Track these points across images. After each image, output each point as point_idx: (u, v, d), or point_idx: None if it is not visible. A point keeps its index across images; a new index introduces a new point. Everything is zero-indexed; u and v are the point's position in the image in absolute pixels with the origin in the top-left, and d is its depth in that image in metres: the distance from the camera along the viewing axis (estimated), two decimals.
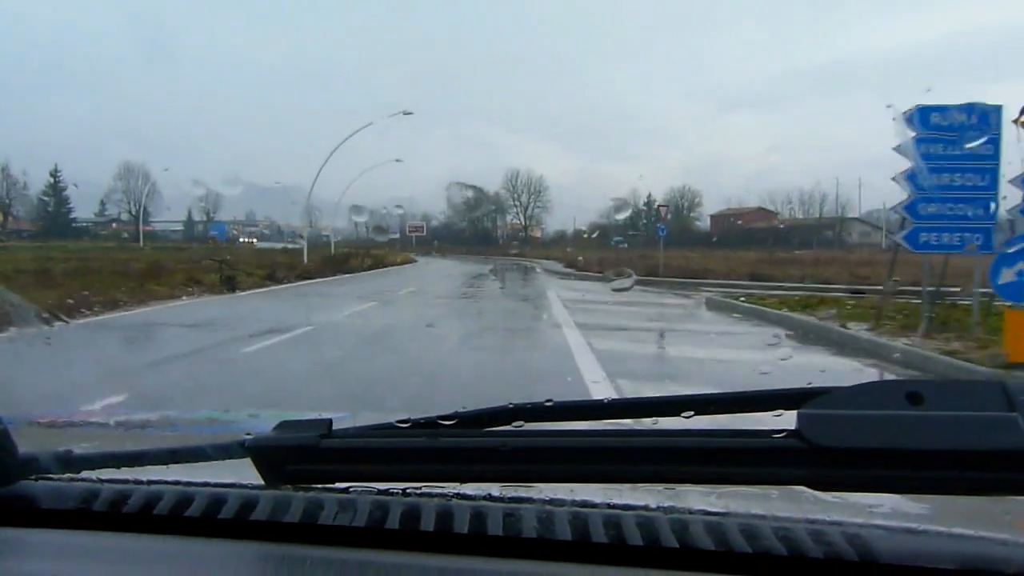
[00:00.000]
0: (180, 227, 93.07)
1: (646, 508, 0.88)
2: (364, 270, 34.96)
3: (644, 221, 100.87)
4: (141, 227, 61.94)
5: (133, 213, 78.62)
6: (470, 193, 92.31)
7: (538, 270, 39.26)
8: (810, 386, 0.78)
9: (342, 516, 0.87)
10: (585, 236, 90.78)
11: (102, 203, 64.82)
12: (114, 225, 79.04)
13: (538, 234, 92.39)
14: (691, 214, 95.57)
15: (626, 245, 77.32)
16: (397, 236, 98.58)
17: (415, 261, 53.73)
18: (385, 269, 38.15)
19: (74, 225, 78.05)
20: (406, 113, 32.86)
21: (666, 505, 0.89)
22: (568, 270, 35.33)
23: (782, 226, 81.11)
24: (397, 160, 47.31)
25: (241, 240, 79.51)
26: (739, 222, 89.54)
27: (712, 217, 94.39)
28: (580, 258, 42.77)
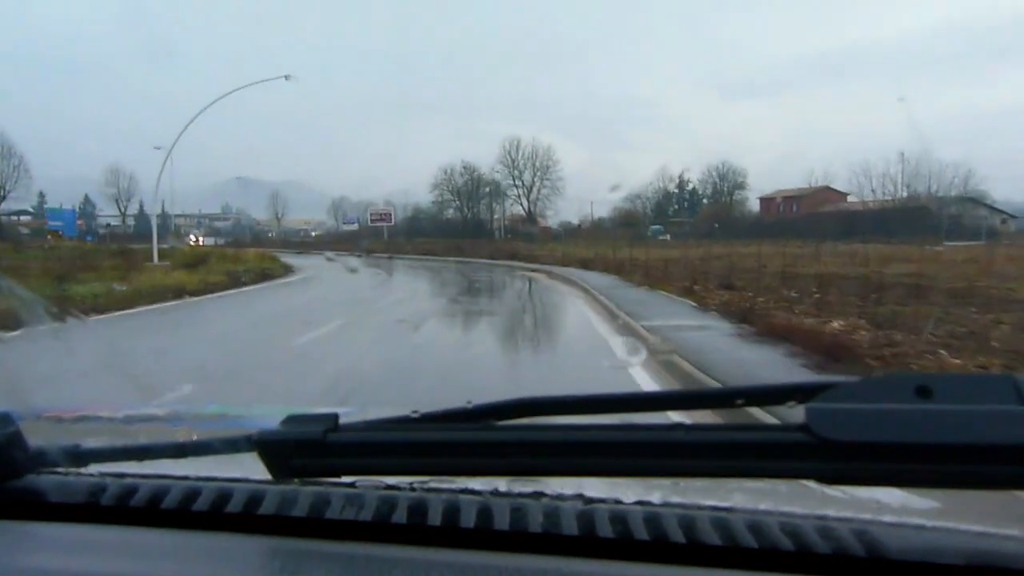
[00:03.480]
0: (132, 221, 77.58)
1: (653, 503, 0.88)
2: None
3: (675, 206, 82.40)
4: None
5: None
6: (459, 175, 72.93)
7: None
8: (818, 380, 0.77)
9: (349, 510, 0.88)
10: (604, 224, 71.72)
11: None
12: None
13: (545, 222, 72.46)
14: (733, 197, 76.43)
15: (668, 236, 59.14)
16: (355, 226, 78.91)
17: (284, 276, 26.16)
18: None
19: None
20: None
21: (673, 500, 0.89)
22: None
23: (862, 208, 62.05)
24: (285, 77, 27.88)
25: (191, 236, 62.70)
26: (795, 206, 71.27)
27: (762, 200, 75.60)
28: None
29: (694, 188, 79.71)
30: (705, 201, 77.92)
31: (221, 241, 66.84)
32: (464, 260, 37.04)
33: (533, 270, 28.44)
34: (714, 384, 6.66)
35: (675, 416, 0.79)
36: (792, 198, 72.89)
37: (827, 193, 71.16)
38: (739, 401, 0.83)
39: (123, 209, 76.81)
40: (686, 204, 78.91)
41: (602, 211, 76.75)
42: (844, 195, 71.77)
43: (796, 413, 0.73)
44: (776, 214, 71.64)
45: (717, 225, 52.44)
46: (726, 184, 76.83)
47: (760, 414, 1.07)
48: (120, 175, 74.19)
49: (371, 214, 63.88)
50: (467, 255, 39.59)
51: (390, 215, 63.75)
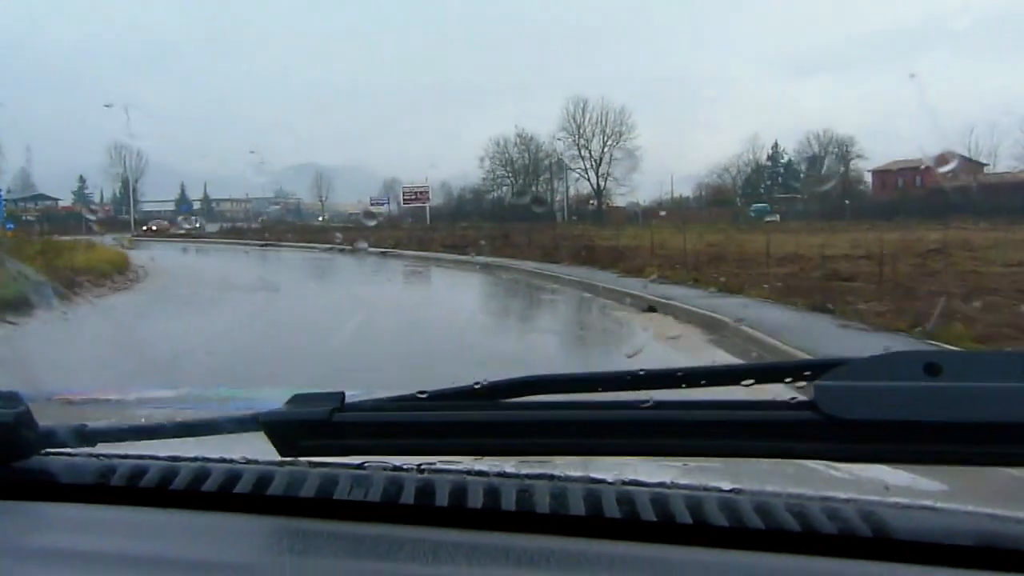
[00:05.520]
0: (172, 206, 71.24)
1: (660, 484, 0.88)
2: None
3: (768, 181, 70.67)
4: None
5: None
6: (513, 146, 61.98)
7: None
8: (826, 357, 0.76)
9: (356, 491, 0.88)
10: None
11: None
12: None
13: (616, 201, 60.47)
14: (849, 169, 63.86)
15: (776, 217, 48.17)
16: (384, 209, 64.46)
17: None
18: None
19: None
20: None
21: (680, 481, 0.89)
22: None
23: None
24: None
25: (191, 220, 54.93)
26: (918, 179, 59.02)
27: (875, 173, 63.18)
28: None
29: (789, 160, 67.60)
30: (801, 176, 65.83)
31: (212, 228, 58.49)
32: (501, 263, 21.42)
33: (678, 317, 10.93)
34: None
35: (683, 394, 0.79)
36: (913, 170, 60.46)
37: (960, 163, 58.42)
38: (748, 380, 0.82)
39: (124, 191, 68.69)
40: (779, 179, 67.01)
41: (681, 188, 65.47)
42: (981, 165, 59.04)
43: (805, 391, 0.72)
44: (894, 188, 59.49)
45: (848, 202, 41.04)
46: (829, 155, 64.45)
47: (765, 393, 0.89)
48: (126, 153, 65.28)
49: (404, 192, 53.37)
50: (512, 252, 23.15)
51: (426, 193, 52.93)
